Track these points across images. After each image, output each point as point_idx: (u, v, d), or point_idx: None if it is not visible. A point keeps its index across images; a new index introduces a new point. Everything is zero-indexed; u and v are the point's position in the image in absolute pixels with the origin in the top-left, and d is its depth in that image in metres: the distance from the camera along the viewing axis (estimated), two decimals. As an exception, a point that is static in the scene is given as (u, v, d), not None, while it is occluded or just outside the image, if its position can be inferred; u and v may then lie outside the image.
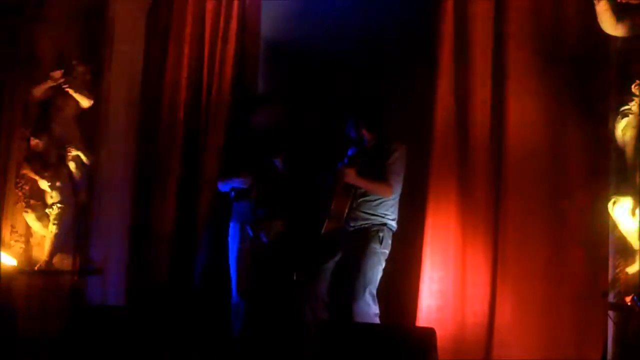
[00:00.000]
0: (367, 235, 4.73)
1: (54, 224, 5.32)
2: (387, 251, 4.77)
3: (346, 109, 4.98)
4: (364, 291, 4.64)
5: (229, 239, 5.19)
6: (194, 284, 5.54)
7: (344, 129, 4.96)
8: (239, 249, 5.12)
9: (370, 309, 4.65)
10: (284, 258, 5.06)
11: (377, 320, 4.65)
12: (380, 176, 4.76)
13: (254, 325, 5.04)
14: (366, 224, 4.76)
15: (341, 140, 5.00)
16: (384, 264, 4.75)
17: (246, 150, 5.21)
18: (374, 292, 4.69)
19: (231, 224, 5.18)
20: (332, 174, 4.87)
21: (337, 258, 4.79)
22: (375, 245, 4.71)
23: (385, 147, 4.83)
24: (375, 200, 4.78)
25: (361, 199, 4.78)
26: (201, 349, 5.47)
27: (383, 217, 4.78)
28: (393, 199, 4.81)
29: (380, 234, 4.73)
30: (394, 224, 4.82)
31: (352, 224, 4.77)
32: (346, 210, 4.76)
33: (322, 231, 4.79)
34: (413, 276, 4.99)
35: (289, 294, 4.95)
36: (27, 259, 5.39)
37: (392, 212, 4.82)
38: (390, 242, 4.79)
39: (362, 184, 4.75)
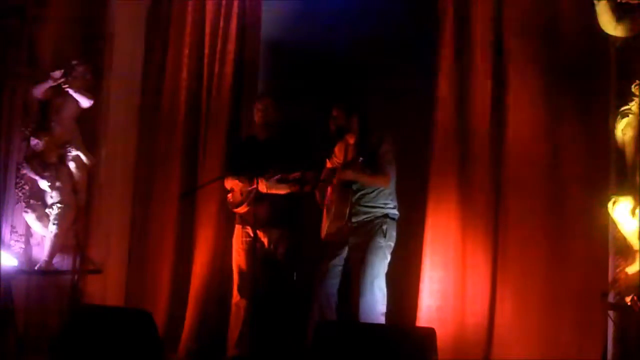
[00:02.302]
0: (371, 230, 4.73)
1: (54, 224, 5.32)
2: (392, 243, 4.77)
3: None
4: (372, 286, 4.64)
5: (233, 240, 5.21)
6: (195, 284, 5.55)
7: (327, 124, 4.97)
8: (241, 250, 5.12)
9: (378, 306, 4.65)
10: (286, 258, 5.07)
11: (382, 319, 4.65)
12: (373, 168, 4.75)
13: (255, 325, 5.04)
14: (368, 217, 4.75)
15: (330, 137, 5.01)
16: (389, 258, 4.75)
17: (252, 151, 5.21)
18: (383, 287, 4.69)
19: (236, 225, 5.20)
20: (326, 173, 4.89)
21: (343, 255, 4.79)
22: (380, 240, 4.71)
23: (372, 138, 4.81)
24: (373, 191, 4.77)
25: (359, 193, 4.77)
26: (202, 348, 5.48)
27: (383, 208, 4.77)
28: (390, 188, 4.81)
29: (384, 227, 4.73)
30: (395, 212, 4.82)
31: (354, 220, 4.77)
32: (348, 209, 4.76)
33: (325, 232, 4.80)
34: (413, 276, 4.99)
35: (291, 294, 4.96)
36: (27, 259, 5.39)
37: (392, 201, 4.81)
38: (394, 233, 4.78)
39: (361, 178, 4.74)
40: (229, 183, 5.17)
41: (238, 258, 5.14)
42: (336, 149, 4.99)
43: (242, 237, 5.13)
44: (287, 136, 5.18)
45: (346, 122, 4.87)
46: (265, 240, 5.08)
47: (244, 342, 5.02)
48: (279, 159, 5.01)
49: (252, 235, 5.07)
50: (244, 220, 5.11)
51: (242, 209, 5.07)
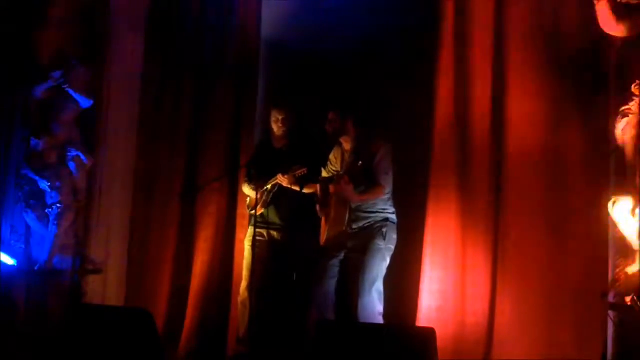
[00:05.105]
0: (371, 233, 4.75)
1: (54, 224, 5.32)
2: (392, 246, 4.79)
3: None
4: (370, 288, 4.66)
5: (245, 239, 5.29)
6: (195, 284, 5.55)
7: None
8: (252, 249, 5.15)
9: (376, 306, 4.67)
10: (289, 259, 5.08)
11: (380, 320, 4.67)
12: (369, 178, 4.76)
13: (258, 323, 5.06)
14: (368, 222, 4.78)
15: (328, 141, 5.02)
16: (388, 260, 4.77)
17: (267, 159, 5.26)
18: (381, 288, 4.72)
19: (249, 227, 5.27)
20: (322, 183, 4.90)
21: (341, 255, 4.80)
22: (379, 242, 4.72)
23: (370, 145, 4.82)
24: None
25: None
26: (202, 348, 5.48)
27: (383, 212, 4.79)
28: (388, 194, 4.82)
29: (384, 230, 4.75)
30: (394, 217, 4.83)
31: (354, 226, 4.79)
32: (347, 215, 4.78)
33: (325, 238, 4.82)
34: (413, 276, 5.00)
35: (293, 293, 4.97)
36: (27, 259, 5.38)
37: (390, 206, 4.84)
38: (394, 236, 4.81)
39: (358, 199, 4.76)
40: (246, 188, 5.32)
41: (249, 257, 5.20)
42: (331, 156, 5.01)
43: (254, 237, 5.17)
44: (302, 144, 5.26)
45: (341, 126, 4.88)
46: (277, 241, 5.20)
47: (247, 340, 5.05)
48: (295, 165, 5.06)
49: (264, 235, 5.18)
50: (257, 221, 5.14)
51: (256, 211, 5.10)
